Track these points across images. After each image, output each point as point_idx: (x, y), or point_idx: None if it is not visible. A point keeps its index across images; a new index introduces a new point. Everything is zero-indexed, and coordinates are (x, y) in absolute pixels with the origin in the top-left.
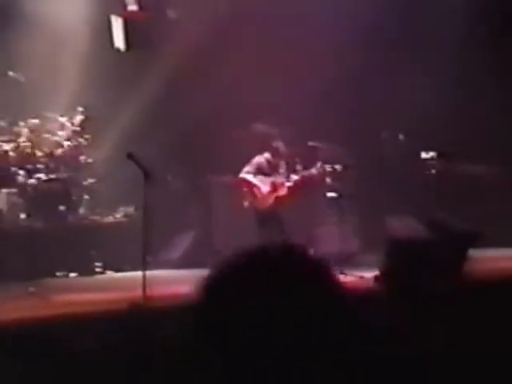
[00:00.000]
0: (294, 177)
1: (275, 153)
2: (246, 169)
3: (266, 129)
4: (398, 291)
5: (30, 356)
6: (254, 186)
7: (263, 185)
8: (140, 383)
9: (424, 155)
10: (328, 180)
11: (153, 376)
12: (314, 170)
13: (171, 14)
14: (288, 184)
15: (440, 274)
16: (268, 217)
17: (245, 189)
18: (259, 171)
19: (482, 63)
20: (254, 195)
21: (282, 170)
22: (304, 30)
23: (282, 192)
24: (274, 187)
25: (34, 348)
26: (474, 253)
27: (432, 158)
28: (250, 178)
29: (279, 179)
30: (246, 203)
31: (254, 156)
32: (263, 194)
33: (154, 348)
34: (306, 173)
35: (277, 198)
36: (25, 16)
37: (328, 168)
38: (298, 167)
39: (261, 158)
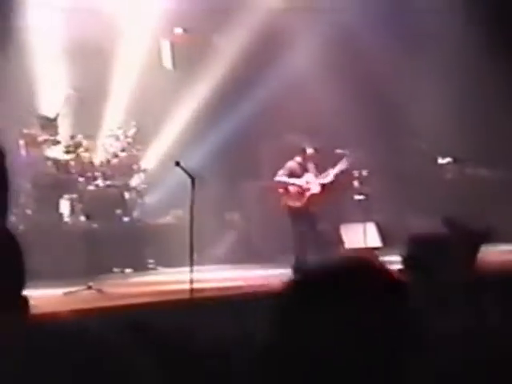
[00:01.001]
0: (325, 176)
1: (305, 156)
2: (281, 172)
3: (298, 139)
4: (420, 283)
5: (88, 343)
6: (289, 186)
7: (297, 185)
8: (189, 369)
9: (441, 161)
10: (355, 184)
11: (202, 365)
12: (340, 166)
13: (213, 37)
14: (319, 182)
15: (456, 267)
16: (302, 215)
17: (281, 190)
18: (292, 173)
19: (500, 73)
20: (289, 195)
21: (313, 170)
22: (329, 46)
23: (315, 190)
24: (307, 186)
25: (91, 336)
26: (485, 247)
27: (448, 164)
28: (284, 179)
29: (311, 179)
30: (282, 203)
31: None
32: (298, 193)
33: (202, 335)
34: (333, 171)
35: (310, 196)
36: (84, 41)
37: (355, 173)
38: (328, 168)
39: (292, 162)
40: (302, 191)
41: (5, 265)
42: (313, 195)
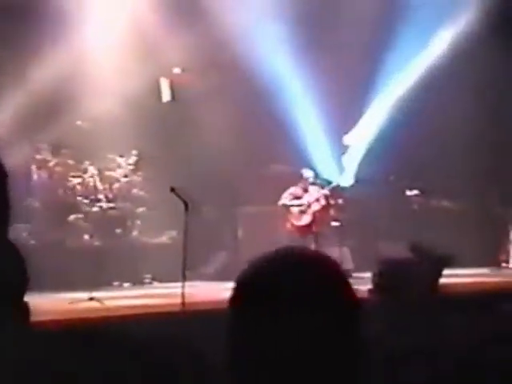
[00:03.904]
0: (322, 195)
1: (304, 180)
2: (284, 196)
3: (283, 168)
4: (387, 302)
5: (86, 349)
6: (293, 208)
7: (300, 205)
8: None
9: (408, 193)
10: (332, 212)
11: (192, 376)
12: (331, 188)
13: (209, 75)
14: (319, 201)
15: (420, 288)
16: (304, 235)
17: (286, 213)
18: (294, 197)
19: (465, 111)
20: (293, 217)
21: (312, 192)
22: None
23: (316, 208)
24: (309, 205)
25: (90, 343)
26: (447, 271)
27: (415, 195)
28: (288, 202)
29: (311, 198)
30: (287, 225)
31: (276, 189)
32: (301, 213)
33: (192, 348)
34: (326, 191)
35: (313, 213)
36: (91, 78)
37: (332, 202)
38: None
39: (294, 187)
40: (305, 210)
41: (4, 271)
42: (316, 212)
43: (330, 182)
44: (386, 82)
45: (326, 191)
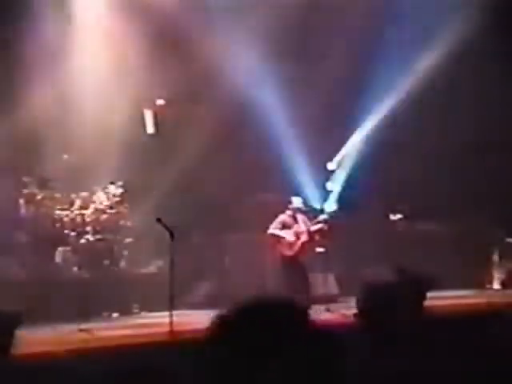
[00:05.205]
0: (311, 226)
1: (294, 209)
2: (273, 225)
3: (271, 197)
4: (373, 325)
5: (78, 379)
6: (282, 237)
7: (289, 235)
8: None
9: (392, 217)
10: (317, 237)
11: None
12: (320, 218)
13: (192, 106)
14: (309, 231)
15: (405, 311)
16: (293, 264)
17: (274, 242)
18: (283, 226)
19: (447, 136)
20: (282, 246)
21: (301, 221)
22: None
23: (305, 239)
24: (298, 236)
25: (81, 373)
26: (430, 293)
27: (398, 220)
28: (277, 232)
29: (300, 229)
30: (275, 253)
31: (263, 217)
32: (290, 243)
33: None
34: (317, 221)
35: (302, 244)
36: (75, 111)
37: (317, 227)
38: (312, 219)
39: (283, 216)
40: (294, 240)
41: None
42: (304, 243)
43: (316, 209)
44: (370, 106)
45: (315, 225)
